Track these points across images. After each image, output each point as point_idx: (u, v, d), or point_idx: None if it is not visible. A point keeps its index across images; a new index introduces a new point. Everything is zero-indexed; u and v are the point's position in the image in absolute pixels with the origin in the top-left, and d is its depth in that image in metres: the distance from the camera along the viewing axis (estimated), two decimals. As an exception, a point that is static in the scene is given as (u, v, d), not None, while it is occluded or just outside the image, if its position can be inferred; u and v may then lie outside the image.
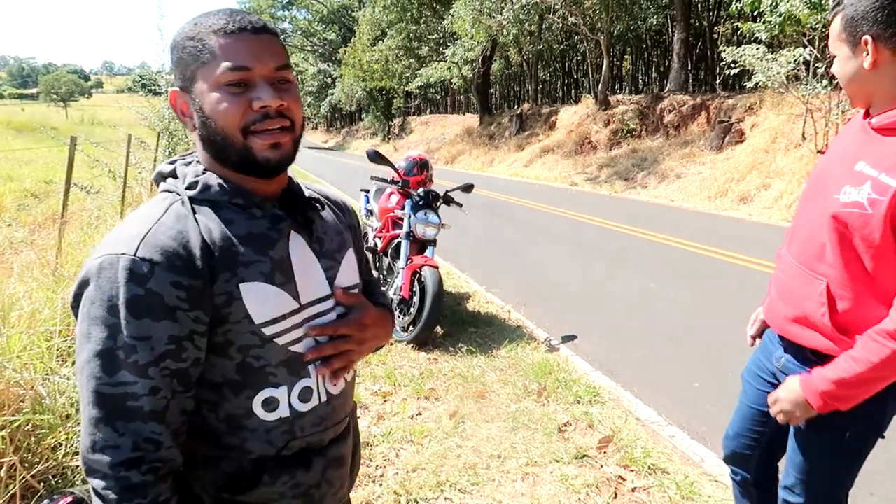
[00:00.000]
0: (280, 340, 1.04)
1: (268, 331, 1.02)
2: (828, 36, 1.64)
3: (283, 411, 1.06)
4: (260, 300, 1.01)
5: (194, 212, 1.00)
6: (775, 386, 1.85)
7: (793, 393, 1.65)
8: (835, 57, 1.61)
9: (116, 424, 0.91)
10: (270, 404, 1.05)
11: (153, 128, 10.21)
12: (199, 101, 1.01)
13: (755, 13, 12.88)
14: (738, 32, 16.03)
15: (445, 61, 30.22)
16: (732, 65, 13.27)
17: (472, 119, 34.01)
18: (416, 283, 4.79)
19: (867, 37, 1.49)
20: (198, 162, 1.09)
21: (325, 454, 1.14)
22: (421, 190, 5.15)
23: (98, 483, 0.92)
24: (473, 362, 4.38)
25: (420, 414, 3.64)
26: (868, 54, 1.50)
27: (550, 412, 3.63)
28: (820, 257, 1.62)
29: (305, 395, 1.09)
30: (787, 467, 1.83)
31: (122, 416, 0.92)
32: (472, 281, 6.84)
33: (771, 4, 11.29)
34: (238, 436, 1.04)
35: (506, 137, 27.49)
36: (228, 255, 0.99)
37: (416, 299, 4.74)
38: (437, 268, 4.76)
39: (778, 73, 11.99)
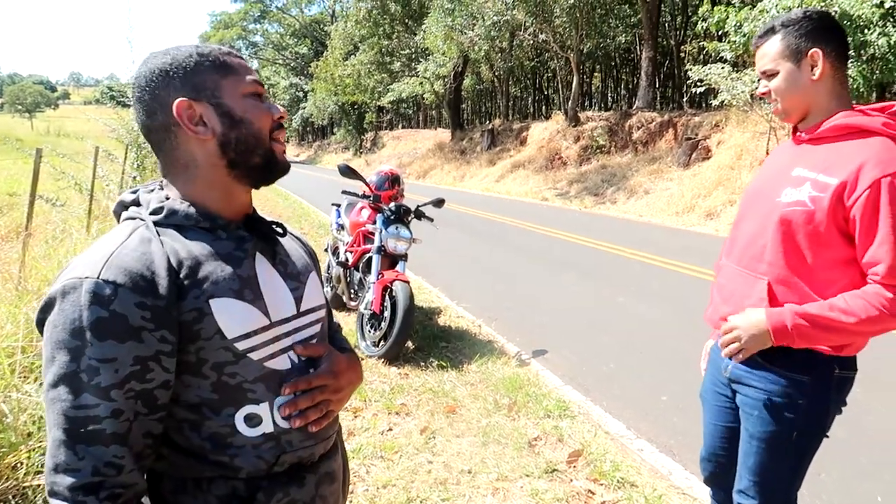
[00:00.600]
0: (254, 356, 1.05)
1: (241, 346, 1.03)
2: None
3: (266, 427, 1.07)
4: (231, 315, 1.02)
5: (159, 234, 1.02)
6: (732, 398, 1.93)
7: (754, 321, 1.71)
8: (770, 76, 1.75)
9: (77, 448, 0.91)
10: (252, 420, 1.05)
11: (121, 140, 10.07)
12: (227, 106, 1.07)
13: (720, 33, 13.21)
14: (704, 51, 16.43)
15: (417, 76, 30.40)
16: (699, 83, 13.58)
17: (443, 134, 34.18)
18: (387, 297, 4.78)
19: (816, 50, 1.68)
20: (159, 188, 1.11)
21: (316, 470, 1.15)
22: (392, 204, 5.16)
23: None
24: (444, 377, 4.38)
25: (390, 429, 3.62)
26: (817, 66, 1.68)
27: (521, 426, 3.64)
28: (760, 258, 1.77)
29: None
30: (740, 471, 1.90)
31: (84, 440, 0.92)
32: (443, 296, 6.85)
33: (735, 25, 11.58)
34: (225, 453, 1.04)
35: (477, 152, 27.67)
36: (196, 273, 1.01)
37: (387, 314, 4.72)
38: (408, 282, 4.77)
39: (742, 92, 12.30)
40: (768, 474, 1.83)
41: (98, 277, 0.93)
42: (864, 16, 9.85)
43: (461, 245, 10.27)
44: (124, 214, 1.09)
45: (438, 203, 5.27)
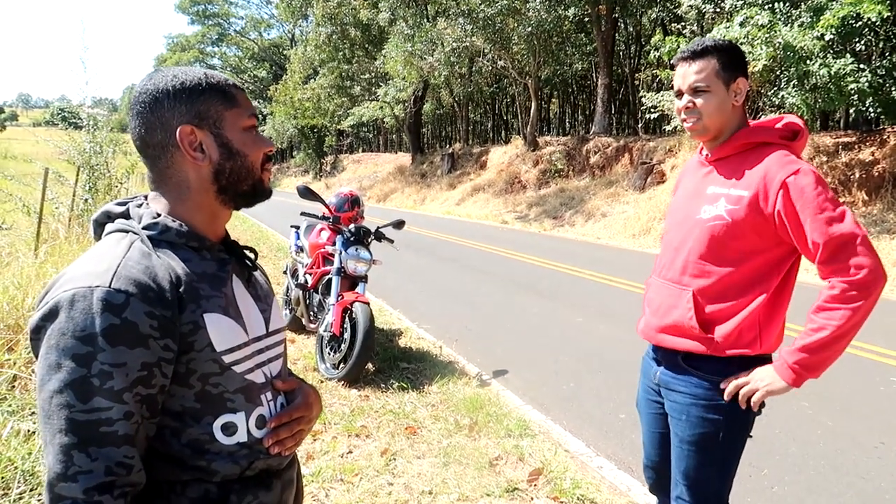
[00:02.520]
0: (238, 368, 1.12)
1: (227, 359, 1.10)
2: None
3: (241, 436, 1.13)
4: (220, 330, 1.09)
5: (155, 250, 1.08)
6: (663, 405, 2.02)
7: (768, 380, 1.78)
8: (701, 92, 1.85)
9: (90, 450, 0.94)
10: (229, 429, 1.11)
11: (72, 162, 9.83)
12: (226, 138, 1.14)
13: (672, 62, 13.62)
14: (657, 79, 16.92)
15: (377, 101, 30.54)
16: (652, 109, 13.98)
17: (404, 158, 34.31)
18: (347, 319, 4.74)
19: (742, 78, 1.86)
20: (147, 205, 1.15)
21: (281, 476, 1.22)
22: (352, 226, 5.14)
23: None
24: (405, 398, 4.35)
25: (351, 452, 3.58)
26: (741, 94, 1.86)
27: (482, 446, 3.64)
28: (684, 271, 1.92)
29: (261, 422, 1.17)
30: (674, 476, 1.98)
31: (96, 442, 0.95)
32: (403, 317, 6.83)
33: (686, 54, 11.97)
34: (203, 458, 1.09)
35: (438, 176, 27.83)
36: (192, 289, 1.07)
37: (346, 336, 4.68)
38: (368, 304, 4.74)
39: (694, 118, 12.66)
40: (700, 477, 1.92)
41: (109, 286, 0.97)
42: (806, 47, 10.30)
43: (422, 267, 10.28)
44: (111, 226, 1.12)
45: (399, 225, 5.28)
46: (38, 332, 0.99)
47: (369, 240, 5.17)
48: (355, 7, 29.34)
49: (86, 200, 9.14)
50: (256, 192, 1.19)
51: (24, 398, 3.36)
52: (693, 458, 1.91)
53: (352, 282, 5.04)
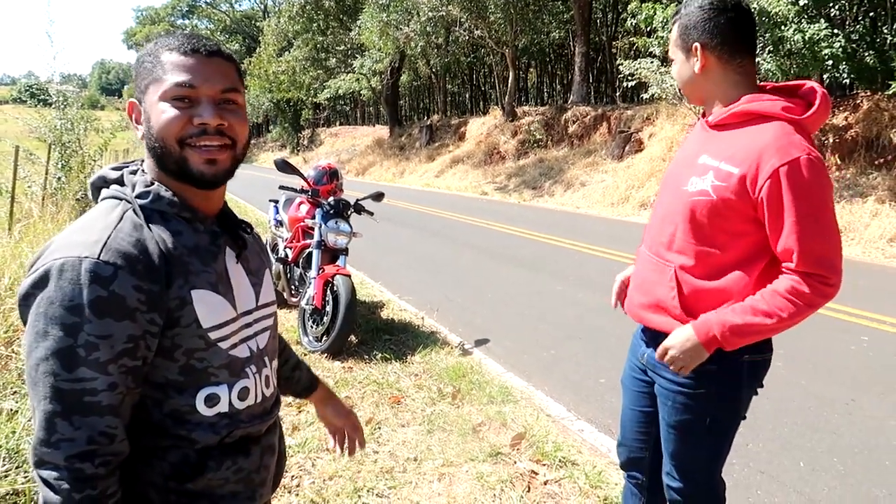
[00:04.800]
0: (223, 345, 1.13)
1: (213, 335, 1.11)
2: None
3: (222, 407, 1.14)
4: (207, 306, 1.10)
5: (148, 221, 1.07)
6: (650, 383, 1.97)
7: (682, 339, 1.70)
8: (671, 60, 1.81)
9: (73, 418, 0.96)
10: (212, 400, 1.12)
11: (43, 139, 9.65)
12: (147, 111, 1.10)
13: (649, 29, 13.60)
14: (635, 47, 16.87)
15: (354, 73, 30.13)
16: (630, 77, 13.96)
17: (382, 131, 34.05)
18: (328, 292, 4.75)
19: (696, 44, 1.71)
20: (143, 171, 1.15)
21: (260, 442, 1.23)
22: (331, 199, 5.13)
23: (49, 474, 0.96)
24: (388, 369, 4.39)
25: (335, 422, 3.61)
26: (698, 60, 1.72)
27: (465, 413, 3.70)
28: (669, 246, 1.79)
29: (244, 394, 1.18)
30: (665, 455, 1.94)
31: (79, 411, 0.96)
32: (385, 289, 6.86)
33: (662, 21, 11.95)
34: (184, 428, 1.10)
35: (416, 149, 27.68)
36: (181, 264, 1.07)
37: (328, 308, 4.70)
38: (349, 276, 4.75)
39: (671, 86, 12.70)
40: (687, 459, 1.88)
41: (98, 258, 0.97)
42: (780, 12, 10.33)
43: (402, 240, 10.28)
44: (106, 191, 1.13)
45: (378, 197, 5.26)
46: (26, 299, 0.99)
47: (349, 212, 5.16)
48: (329, -24, 28.81)
49: (59, 179, 9.00)
50: (182, 175, 1.10)
51: (5, 377, 3.34)
52: (680, 443, 1.86)
53: (332, 255, 5.04)
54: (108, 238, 1.00)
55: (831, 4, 11.32)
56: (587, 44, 21.24)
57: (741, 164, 1.61)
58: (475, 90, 38.78)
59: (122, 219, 1.05)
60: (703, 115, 1.84)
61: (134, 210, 1.07)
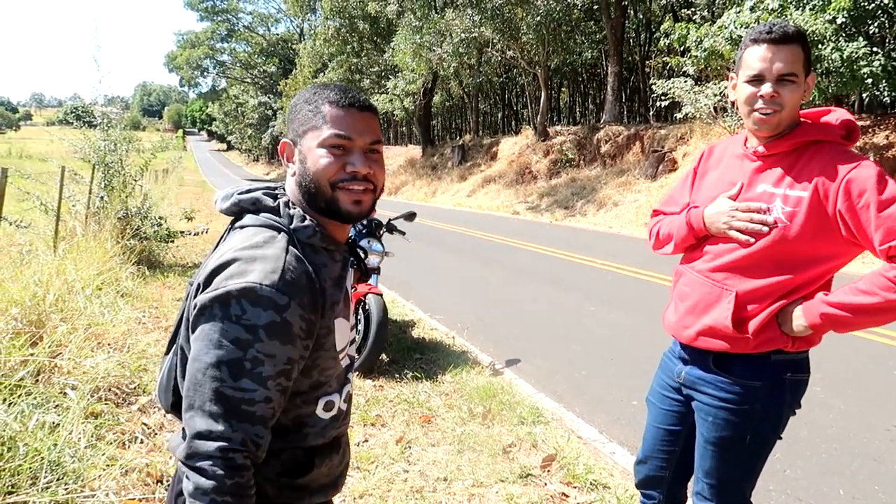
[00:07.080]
0: (343, 361, 1.29)
1: (340, 355, 1.27)
2: None
3: (335, 411, 1.29)
4: (341, 331, 1.25)
5: (304, 254, 1.20)
6: (681, 402, 1.96)
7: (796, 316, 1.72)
8: (789, 82, 1.67)
9: (232, 421, 1.08)
10: (329, 406, 1.27)
11: (87, 160, 9.94)
12: (304, 153, 1.23)
13: (682, 48, 13.54)
14: (668, 66, 16.81)
15: (387, 93, 30.53)
16: (663, 97, 13.89)
17: (414, 150, 34.33)
18: (360, 310, 4.80)
19: (813, 73, 1.72)
20: (293, 204, 1.26)
21: (342, 440, 1.38)
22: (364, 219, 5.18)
23: (204, 463, 1.07)
24: (419, 388, 4.41)
25: (366, 441, 3.64)
26: (808, 91, 1.72)
27: (495, 434, 3.69)
28: (730, 270, 1.78)
29: (348, 398, 1.35)
30: (697, 474, 1.93)
31: (238, 416, 1.08)
32: (416, 308, 6.89)
33: (696, 40, 11.91)
34: (302, 431, 1.24)
35: (448, 168, 27.84)
36: (328, 296, 1.20)
37: (360, 327, 4.74)
38: (381, 295, 4.80)
39: (705, 105, 12.61)
40: (723, 477, 1.87)
41: (276, 288, 1.09)
42: (818, 31, 10.20)
43: (434, 259, 10.32)
44: (258, 218, 1.22)
45: (410, 216, 5.32)
46: (203, 311, 1.11)
47: (381, 232, 5.22)
48: (363, 0, 29.32)
49: (101, 198, 9.24)
50: (329, 212, 1.23)
51: (48, 391, 3.44)
52: (717, 460, 1.86)
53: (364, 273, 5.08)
54: (283, 269, 1.12)
55: (870, 22, 11.14)
56: (620, 63, 21.21)
57: (807, 186, 1.66)
58: (507, 110, 38.92)
59: (287, 250, 1.16)
60: (745, 144, 1.84)
61: (293, 244, 1.18)
